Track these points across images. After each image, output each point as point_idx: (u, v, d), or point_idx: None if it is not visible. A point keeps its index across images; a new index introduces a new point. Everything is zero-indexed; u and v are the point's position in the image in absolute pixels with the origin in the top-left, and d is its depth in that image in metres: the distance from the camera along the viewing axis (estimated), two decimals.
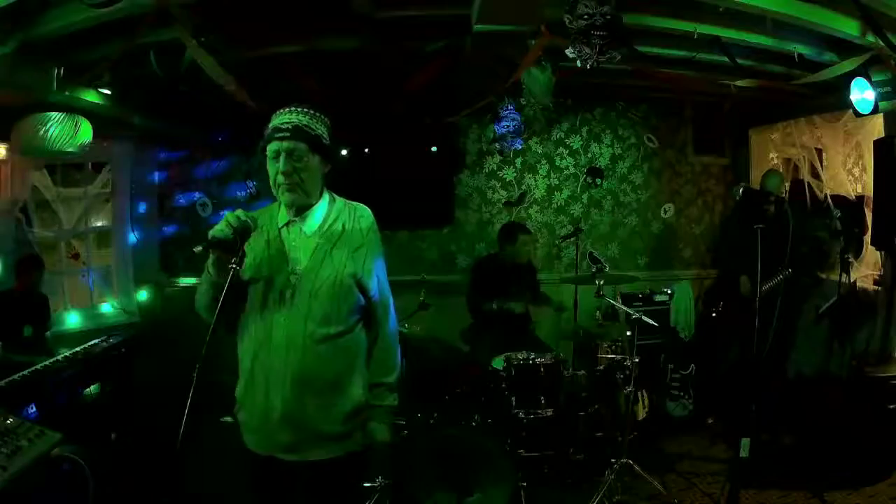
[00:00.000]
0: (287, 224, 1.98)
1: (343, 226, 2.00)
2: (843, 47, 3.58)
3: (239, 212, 1.81)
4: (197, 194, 5.66)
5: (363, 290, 1.98)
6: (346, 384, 1.96)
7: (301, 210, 1.96)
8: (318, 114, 1.97)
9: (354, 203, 2.09)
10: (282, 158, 1.87)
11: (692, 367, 4.75)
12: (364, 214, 2.07)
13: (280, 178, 1.87)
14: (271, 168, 1.90)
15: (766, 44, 3.57)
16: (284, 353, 1.87)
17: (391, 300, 2.10)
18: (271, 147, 1.88)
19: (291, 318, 1.88)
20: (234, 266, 1.75)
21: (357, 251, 1.97)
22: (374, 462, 2.06)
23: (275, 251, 1.95)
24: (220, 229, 1.77)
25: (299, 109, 1.93)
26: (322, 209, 2.00)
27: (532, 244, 4.83)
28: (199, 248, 1.76)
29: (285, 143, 1.86)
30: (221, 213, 2.01)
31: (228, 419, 2.04)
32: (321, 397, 1.91)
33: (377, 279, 2.02)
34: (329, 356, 1.91)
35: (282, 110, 1.93)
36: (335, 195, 2.08)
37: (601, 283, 3.95)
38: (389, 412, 2.07)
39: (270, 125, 1.91)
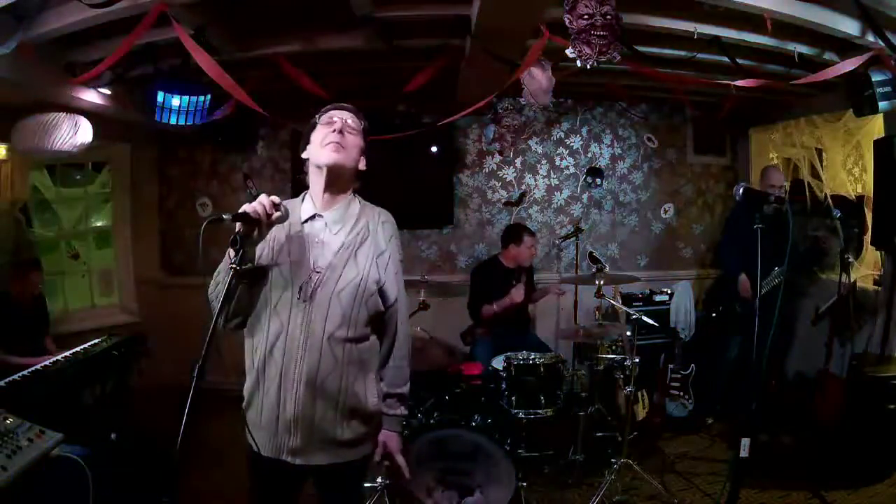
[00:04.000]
0: (311, 218, 1.93)
1: (368, 228, 1.96)
2: (843, 47, 3.58)
3: (275, 197, 1.76)
4: (197, 194, 5.67)
5: (384, 298, 1.94)
6: (360, 390, 1.90)
7: (327, 205, 1.93)
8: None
9: (377, 207, 2.06)
10: (337, 124, 1.90)
11: (692, 367, 4.76)
12: (388, 219, 2.03)
13: (331, 137, 1.88)
14: (322, 131, 1.91)
15: (766, 44, 3.57)
16: (300, 352, 1.81)
17: (406, 312, 2.06)
18: (330, 114, 1.94)
19: (310, 316, 1.82)
20: (234, 266, 1.70)
21: (381, 256, 1.94)
22: (377, 469, 2.05)
23: (296, 245, 1.89)
24: (252, 207, 1.73)
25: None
26: (348, 208, 1.97)
27: (535, 246, 4.84)
28: (227, 216, 1.68)
29: (346, 114, 1.94)
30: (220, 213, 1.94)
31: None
32: (335, 401, 1.85)
33: (396, 288, 1.98)
34: (346, 360, 1.85)
35: None
36: (360, 198, 2.05)
37: (601, 283, 3.95)
38: (401, 422, 2.05)
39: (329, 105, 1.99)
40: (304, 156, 1.98)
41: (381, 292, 1.94)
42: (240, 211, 1.71)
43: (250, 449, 1.90)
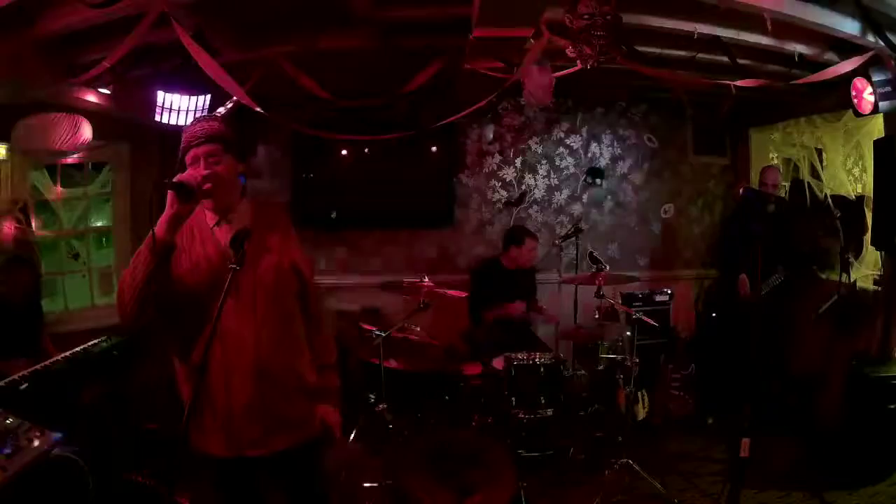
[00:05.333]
0: (217, 223, 2.06)
1: (268, 219, 2.13)
2: (843, 47, 3.58)
3: (207, 172, 1.93)
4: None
5: (299, 275, 2.12)
6: (299, 367, 2.07)
7: (227, 211, 2.05)
8: (227, 119, 2.18)
9: (267, 202, 2.28)
10: (201, 163, 1.96)
11: (692, 367, 4.75)
12: (281, 207, 2.29)
13: (204, 182, 1.93)
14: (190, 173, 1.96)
15: (767, 44, 3.57)
16: (239, 343, 1.93)
17: (317, 285, 2.26)
18: (190, 154, 1.97)
19: (240, 308, 1.95)
20: (233, 267, 1.81)
21: (286, 241, 2.12)
22: (329, 446, 2.15)
23: (211, 248, 2.02)
24: (187, 175, 1.88)
25: (209, 116, 2.13)
26: (246, 207, 2.12)
27: (536, 248, 4.85)
28: (167, 181, 1.83)
29: (202, 148, 1.96)
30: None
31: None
32: (281, 382, 1.99)
33: (306, 265, 2.17)
34: (280, 341, 2.01)
35: (191, 122, 2.07)
36: (249, 197, 2.18)
37: (601, 283, 3.95)
38: (336, 393, 2.20)
39: (185, 136, 2.00)
40: None
41: (297, 271, 2.12)
42: (174, 179, 1.83)
43: (205, 456, 1.97)
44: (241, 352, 1.93)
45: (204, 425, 1.95)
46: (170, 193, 1.81)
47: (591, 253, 5.13)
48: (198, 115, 3.86)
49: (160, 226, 1.84)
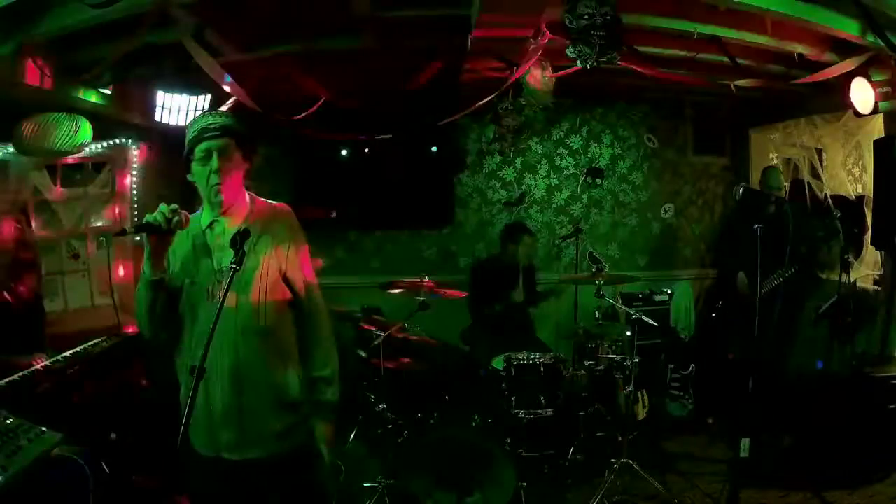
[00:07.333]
0: (210, 224, 2.01)
1: (266, 223, 2.04)
2: (843, 47, 3.58)
3: (173, 205, 1.83)
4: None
5: (289, 285, 2.03)
6: (281, 379, 1.99)
7: (224, 209, 1.99)
8: (237, 113, 2.09)
9: (273, 202, 2.13)
10: (214, 157, 1.91)
11: (692, 367, 4.75)
12: (286, 212, 2.12)
13: (214, 178, 1.90)
14: (201, 169, 1.93)
15: (766, 44, 3.57)
16: (220, 349, 1.88)
17: (319, 295, 2.13)
18: (201, 147, 1.92)
19: (222, 314, 1.85)
20: (233, 267, 1.79)
21: (281, 247, 2.02)
22: (317, 459, 2.06)
23: (200, 250, 1.98)
24: (152, 216, 1.80)
25: (219, 111, 2.06)
26: (244, 206, 2.04)
27: (534, 245, 4.85)
28: (130, 229, 1.84)
29: (216, 142, 1.91)
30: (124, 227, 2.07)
31: None
32: (258, 392, 1.94)
33: (303, 275, 2.07)
34: (261, 350, 1.94)
35: (200, 115, 2.02)
36: (254, 194, 2.11)
37: (601, 283, 3.95)
38: (329, 408, 2.09)
39: (194, 128, 1.94)
40: (190, 178, 2.00)
41: (286, 280, 2.02)
42: (143, 222, 1.79)
43: (192, 450, 1.97)
44: (221, 356, 1.89)
45: (190, 421, 1.95)
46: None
47: (590, 253, 5.13)
48: (198, 114, 3.86)
49: (146, 265, 1.84)
